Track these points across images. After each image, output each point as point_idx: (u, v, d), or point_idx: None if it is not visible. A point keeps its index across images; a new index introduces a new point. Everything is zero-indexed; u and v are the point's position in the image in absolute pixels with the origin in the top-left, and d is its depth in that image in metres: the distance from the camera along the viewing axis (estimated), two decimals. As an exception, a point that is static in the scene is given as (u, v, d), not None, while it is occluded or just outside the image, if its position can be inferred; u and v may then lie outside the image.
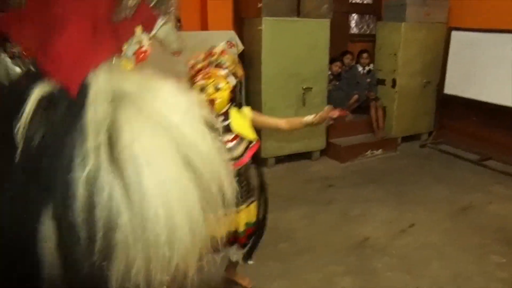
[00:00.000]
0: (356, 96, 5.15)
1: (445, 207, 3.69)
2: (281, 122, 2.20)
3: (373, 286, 2.63)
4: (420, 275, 2.72)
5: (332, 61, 4.81)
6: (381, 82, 5.31)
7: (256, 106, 4.46)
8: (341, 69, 5.07)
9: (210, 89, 1.90)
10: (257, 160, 2.18)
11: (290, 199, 3.82)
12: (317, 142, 4.76)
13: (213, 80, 1.91)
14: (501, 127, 4.78)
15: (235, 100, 2.04)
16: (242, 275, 2.61)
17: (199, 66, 1.98)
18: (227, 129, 1.99)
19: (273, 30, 4.22)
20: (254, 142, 2.07)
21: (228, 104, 2.01)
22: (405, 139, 5.43)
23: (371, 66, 5.33)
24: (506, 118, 4.64)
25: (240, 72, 2.06)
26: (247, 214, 2.20)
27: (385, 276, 2.73)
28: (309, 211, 3.61)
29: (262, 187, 2.24)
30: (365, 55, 5.27)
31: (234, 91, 2.01)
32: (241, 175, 2.06)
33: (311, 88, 4.50)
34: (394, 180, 4.30)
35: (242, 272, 2.66)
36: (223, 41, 2.08)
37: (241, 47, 4.18)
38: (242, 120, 2.05)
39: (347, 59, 5.20)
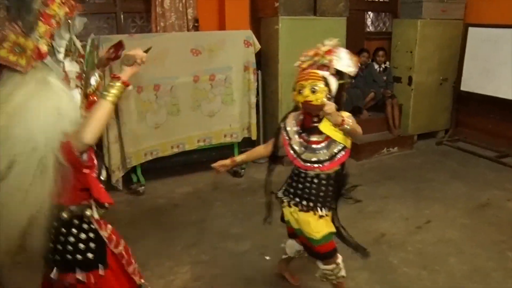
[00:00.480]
0: (372, 94, 5.17)
1: (462, 203, 3.70)
2: None
3: (390, 281, 2.67)
4: (436, 271, 2.76)
5: (348, 59, 4.82)
6: (397, 79, 5.31)
7: (272, 104, 4.53)
8: (358, 67, 5.08)
9: (306, 91, 1.86)
10: (343, 169, 2.08)
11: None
12: (333, 140, 4.79)
13: (311, 82, 1.86)
14: (519, 124, 4.75)
15: (338, 102, 1.94)
16: (292, 271, 2.66)
17: (304, 65, 1.93)
18: (318, 131, 1.94)
19: (289, 29, 4.27)
20: (344, 150, 1.99)
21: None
22: (421, 136, 5.42)
23: (387, 63, 5.34)
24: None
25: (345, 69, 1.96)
26: (327, 222, 2.13)
27: (401, 271, 2.76)
28: (326, 208, 3.65)
29: (338, 196, 2.15)
30: (381, 53, 5.27)
31: (339, 92, 1.94)
32: (323, 180, 2.04)
33: (327, 86, 4.53)
34: (411, 177, 4.31)
35: (257, 267, 2.73)
36: (334, 39, 1.96)
37: (258, 46, 4.24)
38: (333, 127, 1.93)
39: (363, 57, 5.22)
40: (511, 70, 4.61)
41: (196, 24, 4.29)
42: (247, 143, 4.50)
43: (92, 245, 1.59)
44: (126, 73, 1.47)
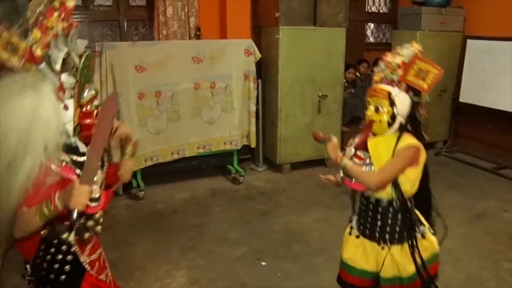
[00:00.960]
0: (371, 104, 5.21)
1: (460, 213, 3.72)
2: None
3: None
4: (431, 278, 2.77)
5: (345, 68, 4.87)
6: (397, 90, 5.36)
7: (272, 113, 4.58)
8: (355, 75, 5.15)
9: (370, 110, 1.68)
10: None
11: (305, 203, 3.90)
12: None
13: (375, 99, 1.66)
14: (517, 136, 4.78)
15: (413, 122, 1.71)
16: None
17: (376, 77, 1.73)
18: (365, 147, 1.72)
19: (290, 39, 4.34)
20: None
21: (388, 128, 1.68)
22: (421, 146, 5.45)
23: (387, 74, 5.39)
24: (522, 126, 4.65)
25: (425, 86, 1.67)
26: (401, 257, 1.77)
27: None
28: (324, 215, 3.68)
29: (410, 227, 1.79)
30: (380, 63, 5.33)
31: (411, 112, 1.69)
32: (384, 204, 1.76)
33: (327, 95, 4.59)
34: (409, 186, 4.33)
35: (252, 271, 2.76)
36: (415, 45, 1.72)
37: (258, 55, 4.31)
38: (385, 149, 1.68)
39: (363, 67, 5.28)
40: (510, 82, 4.66)
41: (198, 33, 4.37)
42: (246, 151, 4.54)
43: (66, 267, 1.53)
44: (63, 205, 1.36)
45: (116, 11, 4.43)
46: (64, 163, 1.41)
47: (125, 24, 4.49)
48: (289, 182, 4.40)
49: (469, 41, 5.11)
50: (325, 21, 4.48)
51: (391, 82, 1.67)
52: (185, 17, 4.33)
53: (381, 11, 5.97)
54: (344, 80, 4.90)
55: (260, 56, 4.36)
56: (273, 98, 4.54)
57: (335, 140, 1.73)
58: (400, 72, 1.66)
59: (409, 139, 1.67)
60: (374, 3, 5.94)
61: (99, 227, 1.60)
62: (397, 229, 1.77)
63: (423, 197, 1.88)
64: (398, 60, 1.67)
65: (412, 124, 1.72)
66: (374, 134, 1.73)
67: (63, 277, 1.53)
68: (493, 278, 2.77)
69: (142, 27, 4.58)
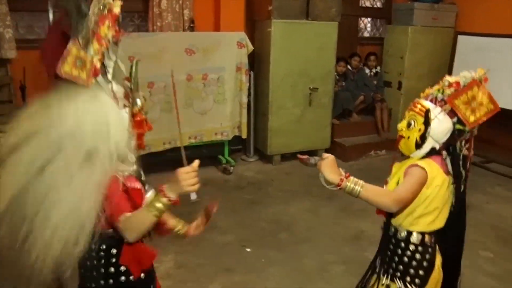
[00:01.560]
0: (361, 97, 5.29)
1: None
2: None
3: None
4: (410, 266, 2.87)
5: (336, 61, 4.92)
6: (388, 84, 5.44)
7: (263, 105, 4.65)
8: (345, 68, 5.21)
9: (402, 124, 1.54)
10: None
11: (293, 194, 3.99)
12: (322, 141, 4.92)
13: (412, 114, 1.52)
14: (505, 131, 4.85)
15: (448, 150, 1.53)
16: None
17: (424, 92, 1.59)
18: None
19: (282, 32, 4.41)
20: None
21: (416, 149, 1.53)
22: (411, 140, 5.53)
23: (379, 68, 5.46)
24: (510, 122, 4.72)
25: (471, 119, 1.47)
26: None
27: (377, 266, 2.88)
28: (312, 205, 3.77)
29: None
30: (372, 57, 5.40)
31: (450, 139, 1.51)
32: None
33: (317, 88, 4.66)
34: (396, 179, 4.42)
35: (238, 257, 2.84)
36: (482, 71, 1.53)
37: (251, 47, 4.37)
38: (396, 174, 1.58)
39: (355, 61, 5.34)
40: (499, 78, 4.72)
41: (191, 25, 4.43)
42: (237, 141, 4.63)
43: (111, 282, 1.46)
44: (176, 193, 1.35)
45: (111, 2, 4.50)
46: (126, 173, 1.40)
47: (120, 15, 4.55)
48: (279, 173, 4.49)
49: (460, 37, 5.18)
50: (318, 15, 4.54)
51: (435, 100, 1.51)
52: (180, 9, 4.38)
53: (375, 6, 6.02)
54: (335, 73, 4.97)
55: (253, 48, 4.42)
56: (264, 90, 4.61)
57: (330, 156, 1.48)
58: (449, 92, 1.48)
59: (422, 161, 1.51)
60: (368, -2, 6.00)
61: None
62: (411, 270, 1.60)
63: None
64: (452, 79, 1.51)
65: (448, 154, 1.54)
66: (402, 155, 1.59)
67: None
68: (470, 266, 2.86)
69: (137, 19, 4.64)
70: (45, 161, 1.27)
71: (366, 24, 6.09)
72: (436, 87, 1.53)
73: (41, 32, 4.30)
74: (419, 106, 1.51)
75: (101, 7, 1.39)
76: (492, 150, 4.98)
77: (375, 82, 5.41)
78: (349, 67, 5.28)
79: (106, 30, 1.38)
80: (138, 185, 1.43)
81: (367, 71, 5.41)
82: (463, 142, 1.53)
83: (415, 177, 1.49)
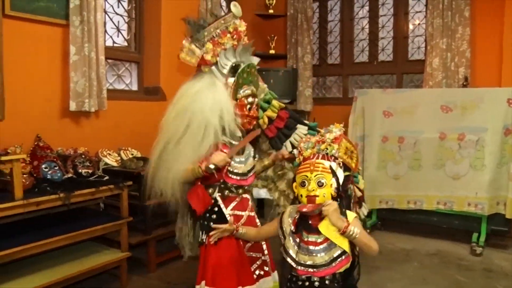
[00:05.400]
0: None
1: None
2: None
3: None
4: None
5: None
6: None
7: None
8: None
9: (312, 184, 1.61)
10: (348, 276, 1.68)
11: None
12: None
13: (317, 174, 1.63)
14: None
15: (343, 198, 1.69)
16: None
17: (306, 153, 1.72)
18: (316, 230, 1.64)
19: None
20: (345, 255, 1.62)
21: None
22: None
23: None
24: None
25: (353, 164, 1.76)
26: None
27: None
28: None
29: None
30: None
31: (340, 187, 1.67)
32: (327, 286, 1.64)
33: None
34: None
35: None
36: (338, 126, 1.79)
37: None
38: (334, 228, 1.62)
39: None
40: None
41: (465, 83, 4.07)
42: (500, 221, 3.74)
43: (213, 216, 2.02)
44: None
45: (394, 64, 4.83)
46: (224, 142, 2.01)
47: (402, 76, 4.81)
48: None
49: None
50: None
51: (327, 157, 1.68)
52: (455, 67, 4.16)
53: None
54: None
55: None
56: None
57: (335, 203, 1.61)
58: (336, 146, 1.70)
59: (351, 214, 1.66)
60: None
61: (240, 190, 2.08)
62: None
63: None
64: (331, 135, 1.71)
65: (346, 200, 1.71)
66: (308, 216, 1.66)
67: (211, 223, 2.01)
68: None
69: (417, 80, 4.71)
70: (181, 134, 1.95)
71: None
72: (323, 145, 1.69)
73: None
74: (321, 165, 1.64)
75: (226, 26, 2.15)
76: None
77: None
78: None
79: (226, 40, 2.11)
80: (226, 150, 1.97)
81: None
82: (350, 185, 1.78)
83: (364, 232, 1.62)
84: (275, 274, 2.18)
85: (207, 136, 1.93)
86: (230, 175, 2.03)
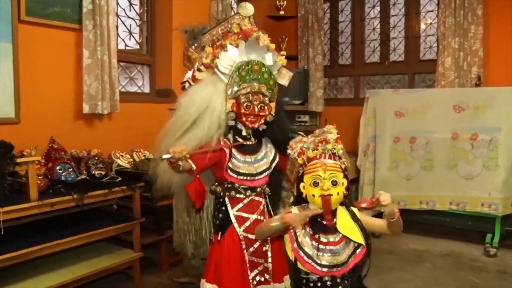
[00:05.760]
0: None
1: None
2: (384, 224, 1.69)
3: None
4: None
5: None
6: None
7: None
8: None
9: (327, 183, 1.61)
10: (358, 269, 1.70)
11: None
12: None
13: (331, 173, 1.63)
14: None
15: (348, 196, 1.71)
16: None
17: (309, 154, 1.70)
18: (334, 229, 1.65)
19: None
20: (361, 248, 1.66)
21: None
22: None
23: None
24: None
25: (348, 164, 1.76)
26: None
27: None
28: None
29: None
30: None
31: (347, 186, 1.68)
32: (338, 284, 1.65)
33: None
34: None
35: None
36: (332, 127, 1.77)
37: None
38: (350, 220, 1.68)
39: None
40: None
41: (477, 82, 4.03)
42: (515, 222, 3.70)
43: (220, 215, 2.01)
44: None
45: (406, 65, 4.79)
46: (225, 139, 2.01)
47: (414, 76, 4.78)
48: None
49: None
50: None
51: (334, 156, 1.69)
52: (468, 66, 4.12)
53: None
54: None
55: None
56: None
57: (387, 194, 1.57)
58: (340, 146, 1.71)
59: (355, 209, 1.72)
60: None
61: (249, 192, 2.01)
62: None
63: None
64: (333, 136, 1.72)
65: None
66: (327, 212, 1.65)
67: (217, 221, 2.02)
68: None
69: (429, 80, 4.68)
70: (189, 126, 2.01)
71: None
72: (328, 145, 1.68)
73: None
74: (333, 164, 1.65)
75: (228, 29, 2.14)
76: None
77: None
78: None
79: (228, 41, 2.06)
80: (226, 149, 1.98)
81: None
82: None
83: None
84: (281, 286, 2.06)
85: (192, 131, 1.99)
86: (230, 173, 1.98)
